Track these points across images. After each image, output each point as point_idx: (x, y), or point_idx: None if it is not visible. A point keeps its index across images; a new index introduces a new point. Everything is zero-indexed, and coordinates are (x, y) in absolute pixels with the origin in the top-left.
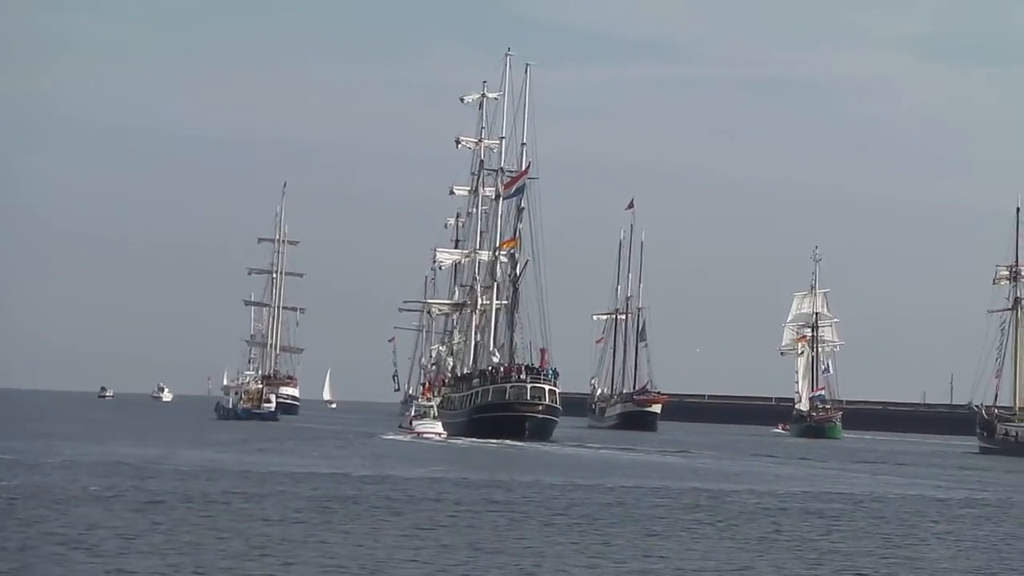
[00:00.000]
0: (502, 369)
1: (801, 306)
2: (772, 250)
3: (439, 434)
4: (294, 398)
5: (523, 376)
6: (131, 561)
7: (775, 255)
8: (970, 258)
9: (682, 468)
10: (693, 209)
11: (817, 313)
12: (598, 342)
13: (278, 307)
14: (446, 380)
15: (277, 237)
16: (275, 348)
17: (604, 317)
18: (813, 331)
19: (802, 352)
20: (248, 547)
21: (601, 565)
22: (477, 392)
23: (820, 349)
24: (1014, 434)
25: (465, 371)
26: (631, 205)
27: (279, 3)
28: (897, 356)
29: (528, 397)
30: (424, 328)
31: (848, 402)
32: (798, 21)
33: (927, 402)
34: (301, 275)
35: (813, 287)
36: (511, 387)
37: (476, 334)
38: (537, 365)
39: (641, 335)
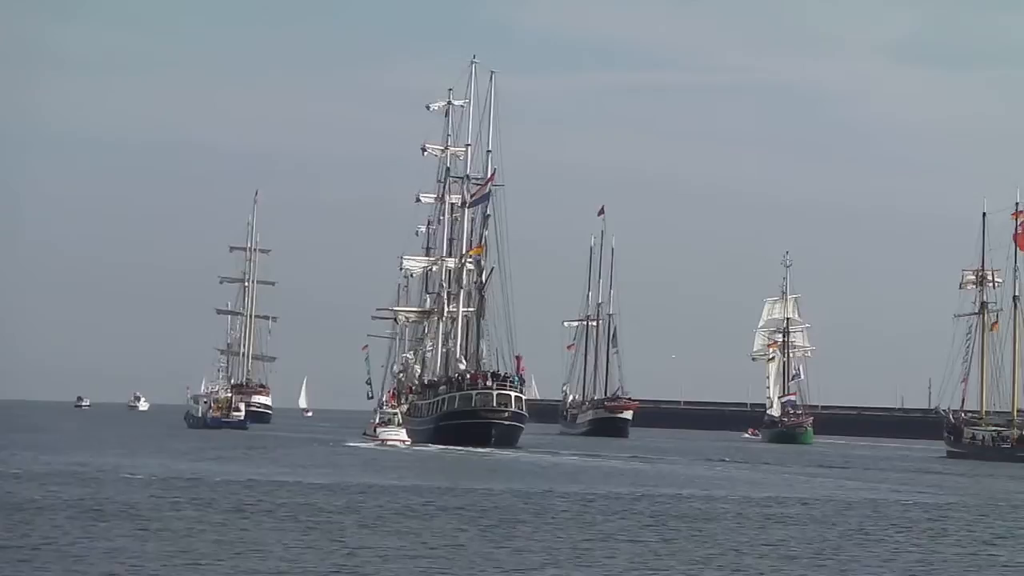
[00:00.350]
0: (469, 376)
1: (772, 311)
2: (743, 255)
3: (403, 441)
4: (266, 406)
5: (489, 383)
6: (53, 568)
7: (746, 260)
8: (942, 263)
9: (642, 474)
10: (664, 215)
11: (788, 318)
12: (569, 348)
13: (250, 315)
14: (413, 387)
15: (249, 246)
16: (247, 357)
17: (575, 324)
18: (784, 336)
19: (772, 357)
20: (176, 550)
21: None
22: (443, 399)
23: (791, 354)
24: (980, 438)
25: (433, 378)
26: (602, 211)
27: (247, 14)
28: (870, 361)
29: (494, 404)
30: (397, 336)
31: (823, 407)
32: (771, 28)
33: (904, 406)
34: (273, 283)
35: (784, 292)
36: (477, 394)
37: (445, 341)
38: (514, 372)
39: (612, 341)
